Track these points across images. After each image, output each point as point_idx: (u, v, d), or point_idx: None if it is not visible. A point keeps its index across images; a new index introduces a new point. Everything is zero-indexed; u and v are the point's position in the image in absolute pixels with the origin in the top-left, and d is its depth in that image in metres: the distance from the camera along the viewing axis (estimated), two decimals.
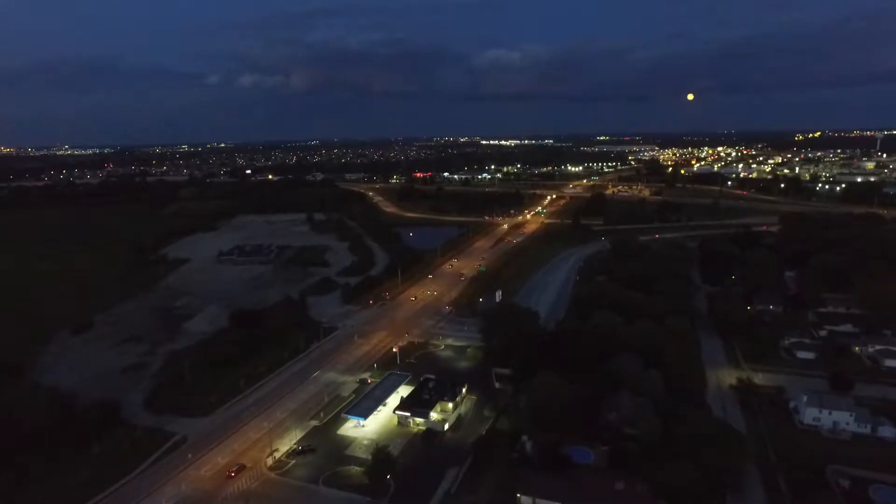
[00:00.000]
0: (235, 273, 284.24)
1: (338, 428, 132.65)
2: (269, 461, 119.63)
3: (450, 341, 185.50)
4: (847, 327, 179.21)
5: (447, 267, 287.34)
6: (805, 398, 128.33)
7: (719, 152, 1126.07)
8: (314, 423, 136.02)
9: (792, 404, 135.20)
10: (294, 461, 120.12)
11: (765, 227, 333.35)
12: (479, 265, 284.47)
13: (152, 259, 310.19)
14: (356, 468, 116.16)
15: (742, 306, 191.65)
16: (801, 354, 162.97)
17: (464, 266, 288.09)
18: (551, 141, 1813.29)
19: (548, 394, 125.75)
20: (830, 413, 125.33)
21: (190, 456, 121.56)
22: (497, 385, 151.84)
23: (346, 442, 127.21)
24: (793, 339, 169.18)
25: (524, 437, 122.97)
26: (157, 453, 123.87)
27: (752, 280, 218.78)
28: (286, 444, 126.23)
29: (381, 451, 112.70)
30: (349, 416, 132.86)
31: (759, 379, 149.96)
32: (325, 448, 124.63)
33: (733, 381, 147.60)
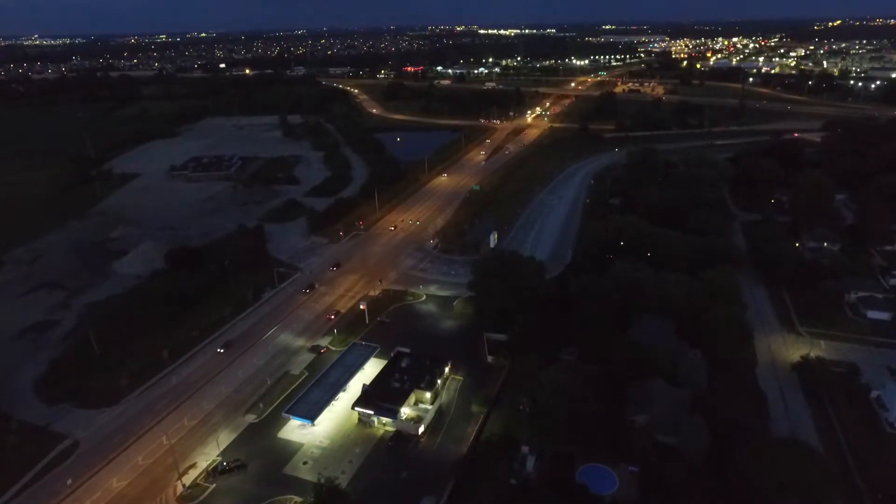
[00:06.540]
0: (187, 193, 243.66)
1: (279, 429, 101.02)
2: (179, 487, 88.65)
3: (433, 289, 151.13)
4: None
5: (435, 184, 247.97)
6: None
7: (735, 44, 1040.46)
8: (251, 418, 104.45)
9: (874, 393, 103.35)
10: (214, 485, 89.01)
11: (795, 135, 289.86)
12: (473, 183, 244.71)
13: (94, 175, 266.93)
14: (296, 500, 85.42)
15: (792, 245, 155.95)
16: (873, 314, 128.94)
17: (454, 183, 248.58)
18: (553, 31, 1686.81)
19: (556, 389, 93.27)
20: None
21: (70, 482, 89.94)
22: (490, 359, 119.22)
23: (289, 451, 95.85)
24: (860, 293, 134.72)
25: (525, 449, 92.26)
26: (33, 472, 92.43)
27: (800, 207, 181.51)
28: (208, 456, 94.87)
29: (326, 486, 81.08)
30: (292, 417, 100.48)
31: (823, 350, 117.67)
32: (258, 462, 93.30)
33: (792, 355, 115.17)
